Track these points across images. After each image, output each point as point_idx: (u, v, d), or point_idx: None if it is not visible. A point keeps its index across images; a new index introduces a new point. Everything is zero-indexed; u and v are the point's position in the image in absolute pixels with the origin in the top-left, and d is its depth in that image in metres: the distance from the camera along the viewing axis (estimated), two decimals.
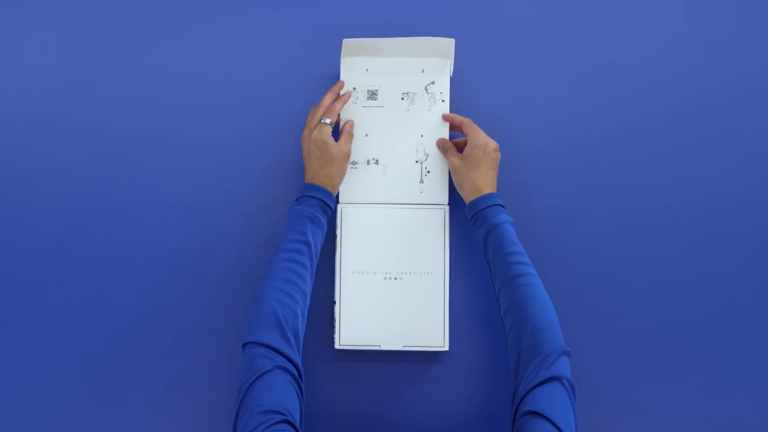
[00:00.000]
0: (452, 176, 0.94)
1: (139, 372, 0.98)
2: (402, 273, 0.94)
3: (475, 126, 0.94)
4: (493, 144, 0.93)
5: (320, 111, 0.93)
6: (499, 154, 0.94)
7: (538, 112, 1.02)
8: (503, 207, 0.91)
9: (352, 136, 0.95)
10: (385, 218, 0.95)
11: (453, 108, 0.98)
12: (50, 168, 1.00)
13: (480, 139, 0.92)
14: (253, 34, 1.02)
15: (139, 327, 0.99)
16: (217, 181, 1.00)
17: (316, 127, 0.91)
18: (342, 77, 0.97)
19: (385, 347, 0.94)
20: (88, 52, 1.02)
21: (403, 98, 0.98)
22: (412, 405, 0.98)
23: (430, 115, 0.98)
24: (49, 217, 0.99)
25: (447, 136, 0.98)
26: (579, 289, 1.00)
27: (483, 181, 0.91)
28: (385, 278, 0.93)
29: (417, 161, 0.98)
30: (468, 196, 0.92)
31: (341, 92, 0.97)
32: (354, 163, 0.98)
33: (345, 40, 0.93)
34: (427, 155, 0.98)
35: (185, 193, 1.00)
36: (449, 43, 0.95)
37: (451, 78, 0.98)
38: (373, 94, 0.98)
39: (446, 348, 0.94)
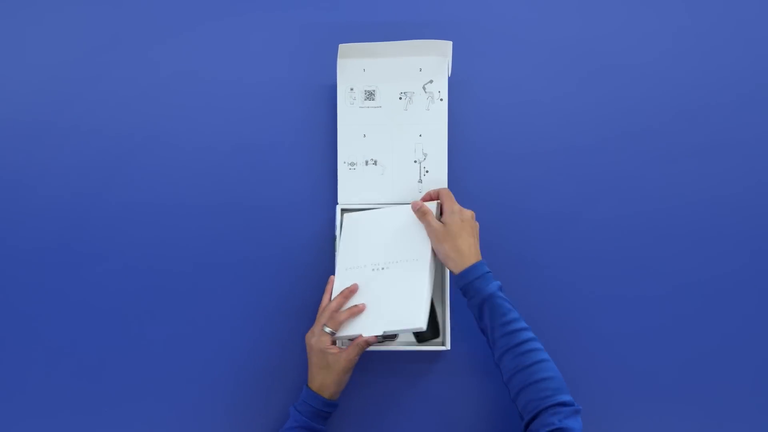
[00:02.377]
0: (433, 243, 0.90)
1: (137, 372, 0.99)
2: (389, 263, 0.91)
3: (451, 195, 0.92)
4: (468, 212, 0.90)
5: (326, 315, 0.89)
6: (477, 223, 0.91)
7: (536, 112, 1.01)
8: (490, 273, 0.88)
9: (362, 349, 0.89)
10: (380, 221, 0.94)
11: (451, 108, 0.98)
12: (49, 168, 1.01)
13: (456, 206, 0.91)
14: (251, 34, 1.02)
15: (137, 327, 0.99)
16: (216, 182, 1.00)
17: (319, 331, 0.89)
18: (339, 78, 0.97)
19: (366, 335, 0.89)
20: (86, 53, 1.02)
21: (401, 98, 0.98)
22: (412, 405, 0.98)
23: (429, 115, 0.97)
24: (49, 218, 1.00)
25: (445, 137, 0.97)
26: (580, 289, 0.99)
27: (468, 249, 0.88)
28: (373, 270, 0.92)
29: (416, 161, 0.97)
30: (454, 266, 0.88)
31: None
32: (353, 163, 0.97)
33: (341, 45, 0.93)
34: (425, 155, 0.97)
35: (184, 195, 1.00)
36: (446, 46, 0.94)
37: (449, 78, 0.98)
38: (370, 95, 0.98)
39: (447, 347, 0.94)
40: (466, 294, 0.88)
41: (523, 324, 0.85)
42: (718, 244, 1.00)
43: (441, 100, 0.97)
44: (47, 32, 1.02)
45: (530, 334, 0.85)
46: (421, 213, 0.91)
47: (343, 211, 0.97)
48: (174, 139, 1.01)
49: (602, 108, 1.01)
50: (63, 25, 1.02)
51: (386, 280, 0.91)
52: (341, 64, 0.96)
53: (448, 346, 0.94)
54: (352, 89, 0.97)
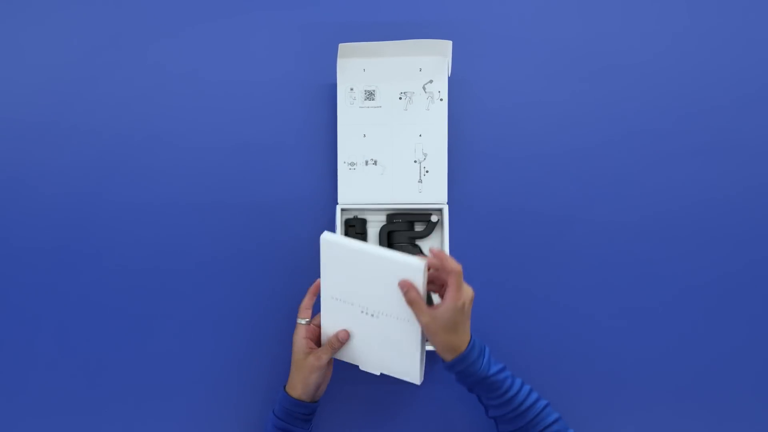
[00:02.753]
0: (424, 330, 0.82)
1: (138, 372, 0.99)
2: (378, 312, 0.84)
3: (461, 281, 0.80)
4: (470, 296, 0.82)
5: (300, 307, 0.89)
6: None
7: (536, 112, 1.01)
8: (479, 352, 0.83)
9: (334, 349, 0.86)
10: (363, 262, 0.82)
11: (451, 108, 0.98)
12: (49, 168, 1.01)
13: (461, 299, 0.80)
14: (251, 34, 1.02)
15: (138, 326, 0.99)
16: (216, 182, 1.01)
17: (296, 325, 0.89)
18: (339, 78, 0.97)
19: (363, 367, 0.90)
20: (86, 53, 1.02)
21: (400, 98, 0.98)
22: (412, 405, 0.98)
23: (429, 115, 0.97)
24: (48, 218, 1.00)
25: (445, 137, 0.97)
26: (581, 291, 0.99)
27: (461, 340, 0.82)
28: (362, 312, 0.85)
29: (416, 161, 0.97)
30: (443, 356, 0.83)
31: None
32: (353, 163, 0.97)
33: (341, 45, 0.93)
34: (425, 155, 0.97)
35: (184, 195, 1.00)
36: (446, 45, 0.94)
37: (448, 78, 0.97)
38: (370, 95, 0.98)
39: None
40: (455, 376, 0.85)
41: (515, 388, 0.83)
42: (723, 246, 1.00)
43: (441, 100, 0.97)
44: (47, 32, 1.02)
45: (523, 394, 0.83)
46: (409, 300, 0.80)
47: (344, 216, 0.97)
48: (174, 139, 1.01)
49: (603, 108, 1.01)
50: (63, 25, 1.02)
51: (378, 327, 0.85)
52: (341, 63, 0.96)
53: None
54: (352, 89, 0.97)
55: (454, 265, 0.80)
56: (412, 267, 0.79)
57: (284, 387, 0.89)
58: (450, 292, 0.80)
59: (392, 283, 0.80)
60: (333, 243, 0.81)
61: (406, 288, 0.80)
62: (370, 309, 0.84)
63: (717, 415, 0.98)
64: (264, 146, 1.01)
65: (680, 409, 0.98)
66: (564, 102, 1.01)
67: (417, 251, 0.97)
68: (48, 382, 0.99)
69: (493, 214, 1.00)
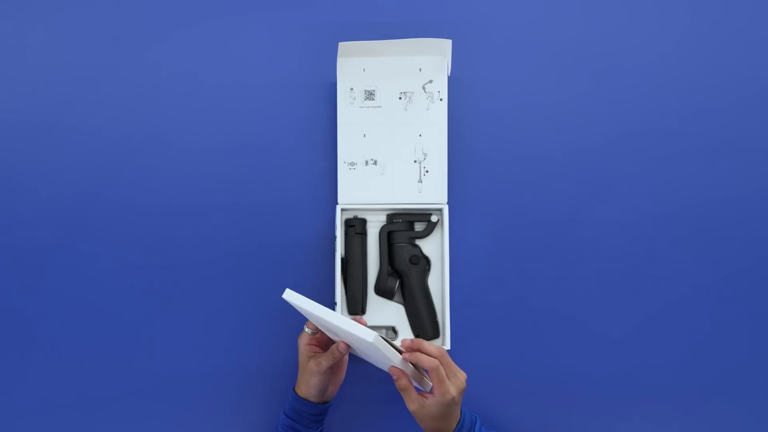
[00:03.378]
0: (412, 414, 0.82)
1: (138, 372, 0.99)
2: (364, 351, 0.85)
3: (442, 375, 0.78)
4: (461, 388, 0.80)
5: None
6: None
7: (536, 112, 1.01)
8: (470, 425, 0.84)
9: (334, 358, 0.85)
10: (327, 321, 0.79)
11: (451, 108, 0.98)
12: (49, 168, 1.01)
13: (449, 393, 0.78)
14: (251, 34, 1.02)
15: (137, 326, 0.99)
16: (216, 182, 1.01)
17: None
18: (338, 78, 0.97)
19: (379, 366, 0.91)
20: (85, 53, 1.02)
21: (400, 98, 0.98)
22: None
23: (429, 115, 0.97)
24: (49, 218, 1.00)
25: (445, 137, 0.97)
26: (584, 293, 0.99)
27: (449, 424, 0.82)
28: (350, 343, 0.85)
29: (415, 161, 0.97)
30: None
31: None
32: (353, 163, 0.97)
33: (341, 44, 0.93)
34: (425, 155, 0.97)
35: (184, 195, 1.00)
36: (446, 44, 0.94)
37: (448, 77, 0.97)
38: (370, 94, 0.98)
39: (447, 347, 0.94)
40: None
41: None
42: (728, 247, 0.99)
43: (441, 99, 0.97)
44: (47, 32, 1.02)
45: None
46: (399, 387, 0.81)
47: (344, 216, 0.97)
48: (174, 139, 1.01)
49: (604, 108, 1.01)
50: (63, 25, 1.02)
51: (372, 350, 0.83)
52: (341, 62, 0.96)
53: (448, 346, 0.94)
54: (352, 89, 0.97)
55: (430, 362, 0.78)
56: (365, 342, 0.75)
57: (294, 387, 0.90)
58: (436, 388, 0.79)
59: (357, 339, 0.78)
60: (293, 302, 0.80)
61: (397, 375, 0.80)
62: (355, 345, 0.84)
63: (732, 424, 0.98)
64: (264, 146, 1.01)
65: (678, 407, 0.98)
66: (564, 102, 1.01)
67: (417, 250, 0.97)
68: (48, 382, 0.99)
69: (493, 214, 1.00)
